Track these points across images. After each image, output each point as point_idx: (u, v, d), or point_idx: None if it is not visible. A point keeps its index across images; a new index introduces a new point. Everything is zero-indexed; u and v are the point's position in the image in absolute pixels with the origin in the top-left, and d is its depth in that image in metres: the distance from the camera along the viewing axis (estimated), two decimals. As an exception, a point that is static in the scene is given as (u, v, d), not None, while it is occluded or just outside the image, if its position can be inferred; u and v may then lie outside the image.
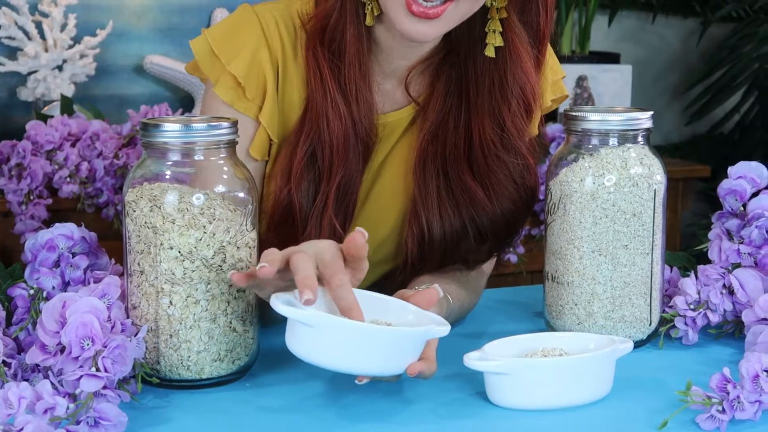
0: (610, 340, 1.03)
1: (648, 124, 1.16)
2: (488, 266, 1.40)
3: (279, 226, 1.26)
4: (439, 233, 1.28)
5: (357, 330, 0.93)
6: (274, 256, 0.97)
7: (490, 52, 1.24)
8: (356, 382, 0.96)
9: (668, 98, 3.27)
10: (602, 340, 1.04)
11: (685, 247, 1.24)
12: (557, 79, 1.37)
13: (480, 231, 1.29)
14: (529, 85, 1.26)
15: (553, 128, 2.29)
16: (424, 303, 1.04)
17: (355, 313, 0.96)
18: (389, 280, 1.35)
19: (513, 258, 2.30)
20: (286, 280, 0.98)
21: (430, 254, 1.29)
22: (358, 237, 0.99)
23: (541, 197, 2.17)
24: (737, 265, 1.19)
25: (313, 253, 0.98)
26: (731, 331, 1.21)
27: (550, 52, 1.33)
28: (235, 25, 1.27)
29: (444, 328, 0.98)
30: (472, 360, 0.97)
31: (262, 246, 1.04)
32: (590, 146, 1.15)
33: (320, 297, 0.97)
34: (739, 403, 0.93)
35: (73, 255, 1.09)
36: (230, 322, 1.02)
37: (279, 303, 0.93)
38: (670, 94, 3.28)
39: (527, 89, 1.26)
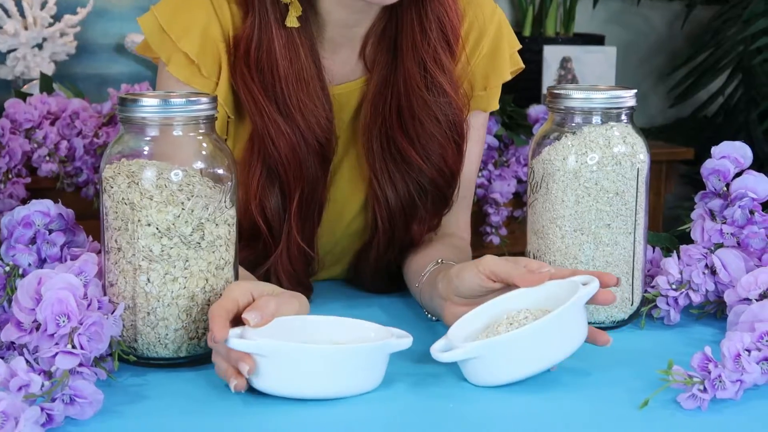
0: (571, 285, 1.01)
1: (632, 102, 1.15)
2: (466, 237, 1.39)
3: (251, 242, 1.25)
4: (395, 201, 1.27)
5: (311, 352, 0.93)
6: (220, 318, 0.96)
7: None
8: None
9: (653, 81, 3.27)
10: (564, 286, 1.01)
11: (668, 230, 1.24)
12: (513, 52, 1.36)
13: (423, 190, 1.28)
14: (447, 17, 1.25)
15: (537, 109, 2.29)
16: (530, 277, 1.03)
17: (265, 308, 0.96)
18: (364, 257, 1.34)
19: (495, 239, 2.30)
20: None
21: (395, 223, 1.28)
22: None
23: (524, 178, 2.16)
24: (720, 245, 1.19)
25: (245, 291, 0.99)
26: (713, 311, 1.21)
27: (505, 23, 1.34)
28: (184, 0, 1.23)
29: (405, 341, 0.97)
30: (439, 353, 0.97)
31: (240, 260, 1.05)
32: (573, 124, 1.14)
33: (275, 327, 0.96)
34: (720, 382, 0.92)
35: (50, 232, 1.07)
36: (209, 300, 1.01)
37: (231, 338, 0.92)
38: (654, 76, 3.27)
39: (445, 21, 1.25)
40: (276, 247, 1.24)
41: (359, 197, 1.32)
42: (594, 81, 2.70)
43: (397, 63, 1.27)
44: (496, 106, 1.36)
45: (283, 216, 1.24)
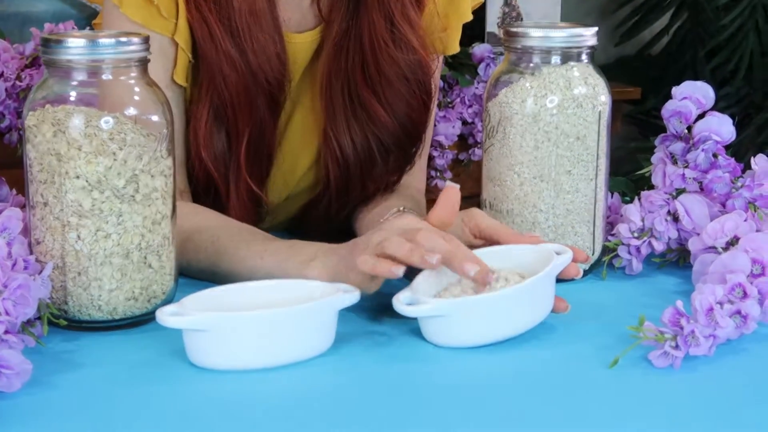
0: (544, 252, 0.97)
1: (592, 41, 1.11)
2: (422, 188, 1.35)
3: (206, 193, 1.20)
4: (353, 155, 1.22)
5: (254, 319, 0.88)
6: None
7: None
8: None
9: (596, 18, 3.23)
10: (537, 252, 0.98)
11: (614, 171, 1.21)
12: None
13: (385, 148, 1.23)
14: None
15: (482, 48, 2.24)
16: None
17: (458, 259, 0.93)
18: (311, 211, 1.30)
19: (441, 183, 2.27)
20: None
21: (350, 178, 1.24)
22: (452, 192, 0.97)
23: (470, 120, 2.11)
24: (682, 191, 1.16)
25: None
26: (675, 259, 1.18)
27: None
28: None
29: (353, 295, 0.92)
30: (403, 306, 0.92)
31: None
32: (531, 65, 1.10)
33: (211, 299, 0.92)
34: (693, 338, 0.89)
35: (-31, 185, 1.01)
36: (145, 258, 0.96)
37: (164, 316, 0.87)
38: (597, 13, 3.24)
39: None
40: (225, 196, 1.20)
41: (311, 151, 1.27)
42: (539, 18, 2.66)
43: (360, 15, 1.20)
44: (456, 49, 1.31)
45: (229, 161, 1.19)
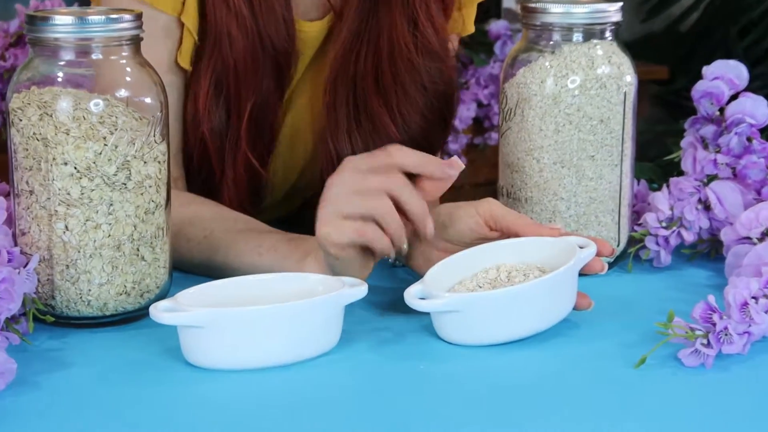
0: (566, 245, 0.97)
1: (617, 17, 1.11)
2: None
3: (199, 171, 1.20)
4: None
5: (255, 315, 0.88)
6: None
7: None
8: None
9: (621, -8, 3.23)
10: (557, 246, 0.98)
11: (640, 156, 1.21)
12: None
13: None
14: None
15: (498, 25, 2.25)
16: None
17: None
18: (311, 208, 1.30)
19: (454, 170, 2.27)
20: None
21: None
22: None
23: (485, 102, 2.12)
24: (714, 177, 1.16)
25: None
26: (706, 251, 1.18)
27: None
28: None
29: (359, 289, 0.92)
30: (415, 300, 0.92)
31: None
32: (551, 43, 1.10)
33: (207, 293, 0.92)
34: (726, 335, 0.89)
35: (-51, 172, 1.02)
36: (137, 249, 0.96)
37: (158, 312, 0.87)
38: (623, -12, 3.24)
39: None
40: (220, 173, 1.20)
41: (309, 148, 1.27)
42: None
43: (379, 14, 1.19)
44: (471, 29, 1.30)
45: (226, 134, 1.19)
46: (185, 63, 1.18)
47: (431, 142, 1.23)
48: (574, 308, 0.97)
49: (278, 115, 1.22)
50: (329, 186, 0.96)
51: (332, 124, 1.22)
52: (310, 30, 1.23)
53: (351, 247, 0.95)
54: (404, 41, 1.19)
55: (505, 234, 1.01)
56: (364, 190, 0.95)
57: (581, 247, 0.97)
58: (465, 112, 2.24)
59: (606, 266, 0.99)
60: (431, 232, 0.97)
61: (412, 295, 0.92)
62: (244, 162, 1.19)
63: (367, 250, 0.97)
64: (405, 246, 0.97)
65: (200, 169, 1.21)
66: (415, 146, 1.15)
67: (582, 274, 0.97)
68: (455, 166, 0.97)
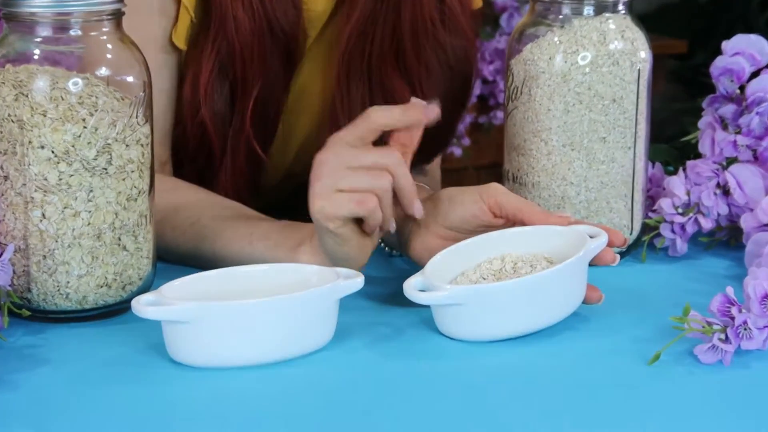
0: (575, 234, 0.97)
1: (630, -12, 1.11)
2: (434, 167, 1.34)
3: (195, 158, 1.20)
4: None
5: (244, 309, 0.88)
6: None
7: None
8: None
9: (635, -38, 3.23)
10: (566, 235, 0.98)
11: (655, 136, 1.21)
12: None
13: None
14: None
15: (505, -4, 2.26)
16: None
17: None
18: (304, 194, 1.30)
19: (457, 151, 2.28)
20: None
21: None
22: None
23: (490, 78, 2.10)
24: (733, 160, 1.16)
25: None
26: (725, 239, 1.18)
27: None
28: None
29: (355, 281, 0.92)
30: (415, 292, 0.92)
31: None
32: (560, 16, 1.10)
33: (193, 285, 0.92)
34: (745, 330, 0.88)
35: None
36: (119, 239, 0.96)
37: (142, 306, 0.87)
38: (637, -44, 3.24)
39: None
40: (219, 159, 1.20)
41: (310, 129, 1.27)
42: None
43: None
44: (479, 2, 1.30)
45: (229, 119, 1.19)
46: (180, 42, 1.18)
47: (448, 122, 1.22)
48: (584, 302, 0.96)
49: (284, 97, 1.23)
50: (320, 163, 0.96)
51: (344, 105, 1.22)
52: (316, 7, 1.22)
53: (348, 223, 0.95)
54: (431, 17, 1.19)
55: (511, 221, 1.01)
56: (361, 166, 0.95)
57: (591, 237, 0.96)
58: (469, 90, 2.25)
59: (618, 258, 0.99)
60: (420, 211, 0.97)
61: (411, 286, 0.92)
62: (246, 146, 1.20)
63: (362, 230, 0.97)
64: (393, 225, 0.98)
65: (196, 154, 1.21)
66: (433, 129, 1.16)
67: (592, 264, 0.96)
68: (418, 105, 0.98)
